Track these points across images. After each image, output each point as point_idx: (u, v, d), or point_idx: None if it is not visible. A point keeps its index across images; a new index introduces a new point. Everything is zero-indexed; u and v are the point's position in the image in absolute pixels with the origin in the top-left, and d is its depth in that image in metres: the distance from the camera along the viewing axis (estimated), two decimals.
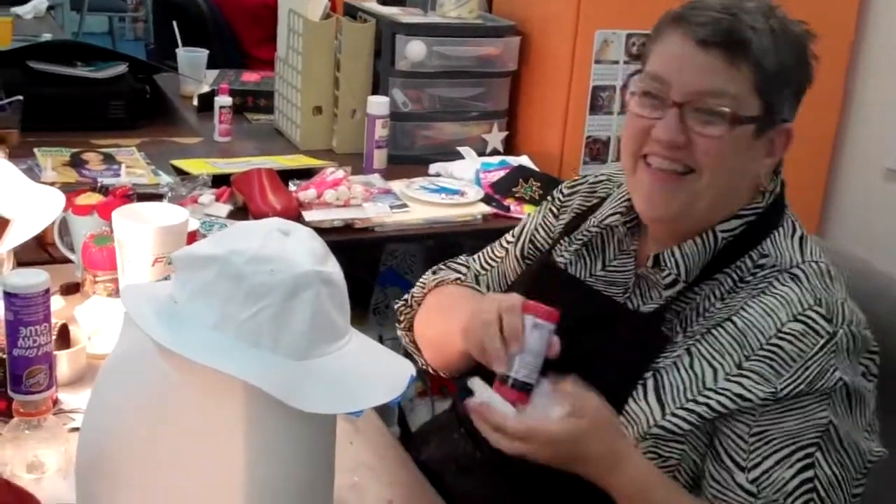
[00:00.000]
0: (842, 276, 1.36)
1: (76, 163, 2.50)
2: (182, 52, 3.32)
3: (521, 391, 1.27)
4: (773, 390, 1.27)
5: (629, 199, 1.45)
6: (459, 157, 2.80)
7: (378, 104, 2.69)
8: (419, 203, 2.49)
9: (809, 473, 1.27)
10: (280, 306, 1.06)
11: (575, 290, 1.49)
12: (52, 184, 2.15)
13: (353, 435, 1.52)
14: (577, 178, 1.66)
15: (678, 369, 1.32)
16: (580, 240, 1.52)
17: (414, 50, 2.75)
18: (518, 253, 1.66)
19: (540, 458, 1.25)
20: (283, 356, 1.08)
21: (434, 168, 2.75)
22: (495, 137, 2.91)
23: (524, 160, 2.75)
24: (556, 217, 1.62)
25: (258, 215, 2.22)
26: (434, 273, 1.71)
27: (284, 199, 2.31)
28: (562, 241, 1.56)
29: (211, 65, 3.42)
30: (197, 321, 1.08)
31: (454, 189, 2.57)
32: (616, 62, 2.72)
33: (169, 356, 1.06)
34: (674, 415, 1.31)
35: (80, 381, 1.59)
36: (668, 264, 1.37)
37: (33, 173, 2.35)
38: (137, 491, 1.12)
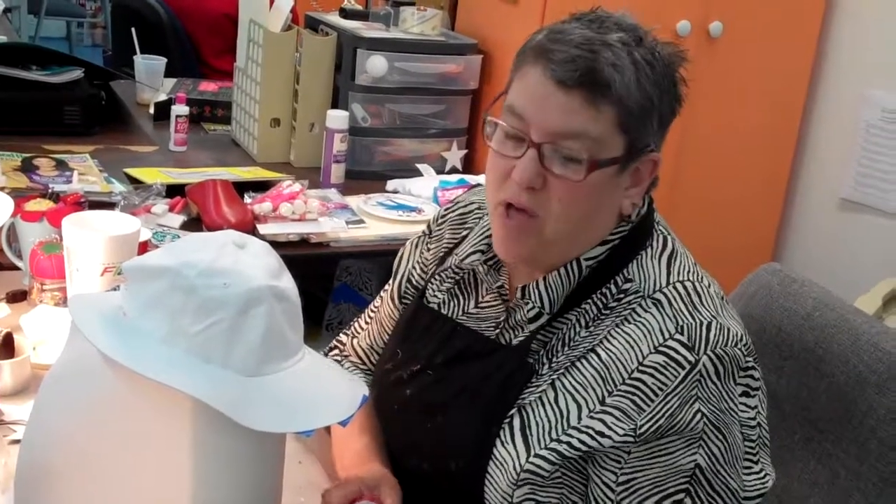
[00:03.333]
0: (713, 291, 1.31)
1: (27, 168, 2.46)
2: (139, 60, 3.29)
3: None
4: (633, 426, 1.23)
5: (489, 236, 1.40)
6: (418, 173, 2.79)
7: (337, 118, 2.67)
8: (376, 219, 2.48)
9: None
10: (232, 321, 1.04)
11: (445, 328, 1.44)
12: (1, 189, 2.11)
13: (302, 454, 1.50)
14: (449, 204, 1.59)
15: (544, 406, 1.29)
16: (451, 278, 1.47)
17: (375, 65, 2.74)
18: (395, 295, 1.57)
19: None
20: (234, 372, 1.06)
21: (392, 184, 2.73)
22: (454, 155, 2.91)
23: (483, 179, 2.74)
24: (429, 250, 1.56)
25: (212, 227, 2.20)
26: (330, 350, 1.67)
27: (239, 212, 2.28)
28: (433, 280, 1.49)
29: (169, 73, 3.38)
30: (146, 334, 1.06)
31: (412, 206, 2.56)
32: None
33: (115, 368, 1.03)
34: (537, 455, 1.27)
35: (23, 391, 1.55)
36: (532, 297, 1.33)
37: None
38: None
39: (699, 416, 1.23)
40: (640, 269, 1.32)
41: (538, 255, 1.32)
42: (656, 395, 1.23)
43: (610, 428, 1.25)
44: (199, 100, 3.17)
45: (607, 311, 1.31)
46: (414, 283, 1.55)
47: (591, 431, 1.25)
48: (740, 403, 1.26)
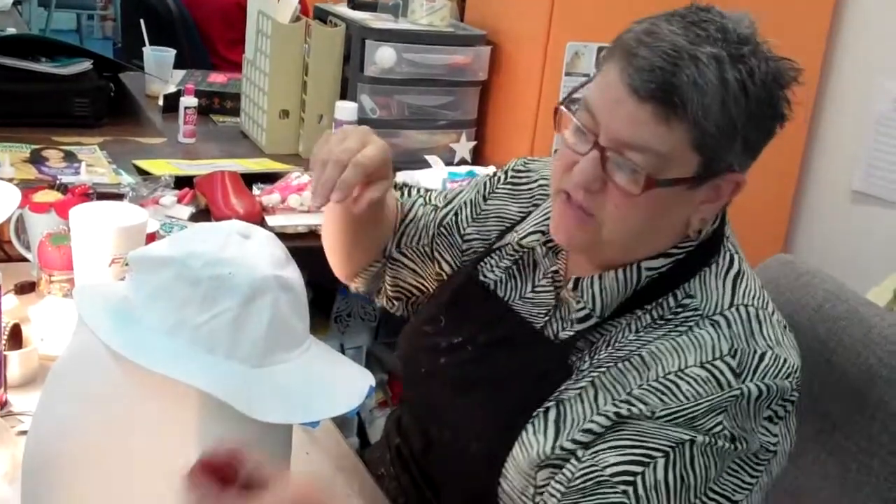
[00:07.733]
0: (776, 319, 1.27)
1: (36, 159, 2.46)
2: (149, 51, 3.28)
3: None
4: (649, 414, 1.20)
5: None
6: (426, 165, 2.78)
7: (346, 109, 2.66)
8: None
9: (638, 469, 1.17)
10: (237, 311, 1.04)
11: (495, 309, 1.42)
12: (9, 180, 2.11)
13: (309, 445, 1.50)
14: (521, 164, 1.56)
15: (582, 402, 1.26)
16: (510, 257, 1.44)
17: (384, 56, 2.73)
18: (439, 220, 1.55)
19: None
20: (239, 362, 1.05)
21: (401, 176, 2.71)
22: (463, 147, 2.90)
23: (492, 171, 2.73)
24: (485, 200, 1.53)
25: (220, 218, 2.18)
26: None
27: (247, 203, 2.28)
28: (492, 256, 1.46)
29: (179, 65, 3.38)
30: (151, 324, 1.05)
31: None
32: (587, 75, 2.70)
33: (121, 359, 1.03)
34: (562, 448, 1.25)
35: (31, 382, 1.55)
36: (585, 296, 1.30)
37: None
38: (85, 497, 1.09)
39: (720, 427, 1.19)
40: (703, 286, 1.28)
41: (594, 250, 1.29)
42: (687, 399, 1.20)
43: (627, 411, 1.21)
44: (208, 91, 3.17)
45: (661, 322, 1.27)
46: (459, 219, 1.54)
47: (610, 413, 1.23)
48: (761, 427, 1.22)
